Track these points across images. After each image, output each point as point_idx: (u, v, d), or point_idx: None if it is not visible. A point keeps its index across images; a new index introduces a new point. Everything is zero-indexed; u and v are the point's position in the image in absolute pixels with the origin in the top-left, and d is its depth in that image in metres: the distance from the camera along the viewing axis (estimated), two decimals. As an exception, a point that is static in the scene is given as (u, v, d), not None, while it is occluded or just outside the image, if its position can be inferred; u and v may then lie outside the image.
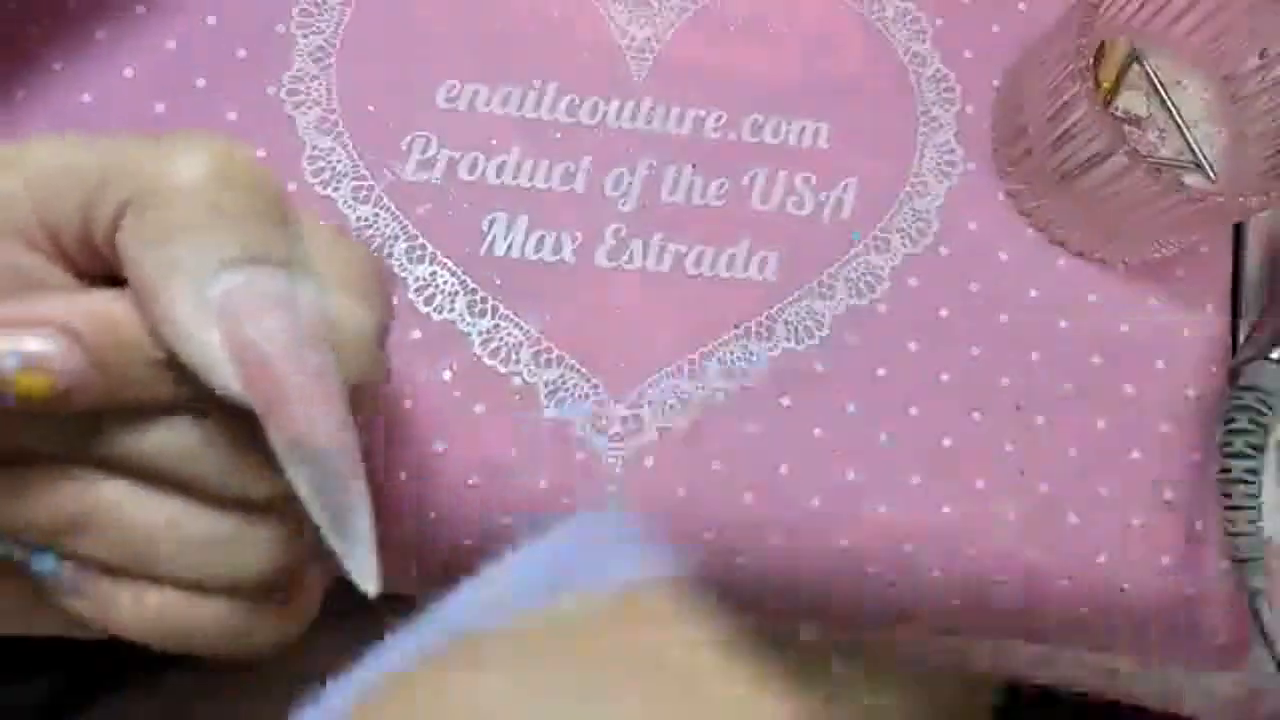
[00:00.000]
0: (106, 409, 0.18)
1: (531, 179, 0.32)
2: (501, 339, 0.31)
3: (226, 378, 0.17)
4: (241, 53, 0.32)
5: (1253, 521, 0.31)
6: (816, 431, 0.31)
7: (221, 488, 0.18)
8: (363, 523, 0.18)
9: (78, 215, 0.18)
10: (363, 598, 0.18)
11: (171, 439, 0.18)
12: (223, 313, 0.17)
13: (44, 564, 0.19)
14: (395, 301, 0.23)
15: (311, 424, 0.17)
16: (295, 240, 0.18)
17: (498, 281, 0.31)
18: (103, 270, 0.19)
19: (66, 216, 0.18)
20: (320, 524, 0.18)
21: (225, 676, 0.37)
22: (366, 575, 0.18)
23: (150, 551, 0.18)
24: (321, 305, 0.18)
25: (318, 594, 0.22)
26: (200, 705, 0.37)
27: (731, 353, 0.32)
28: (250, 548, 0.19)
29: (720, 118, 0.33)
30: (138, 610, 0.19)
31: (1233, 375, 0.33)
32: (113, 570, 0.19)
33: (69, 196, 0.18)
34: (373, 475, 0.22)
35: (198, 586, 0.19)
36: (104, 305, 0.17)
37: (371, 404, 0.22)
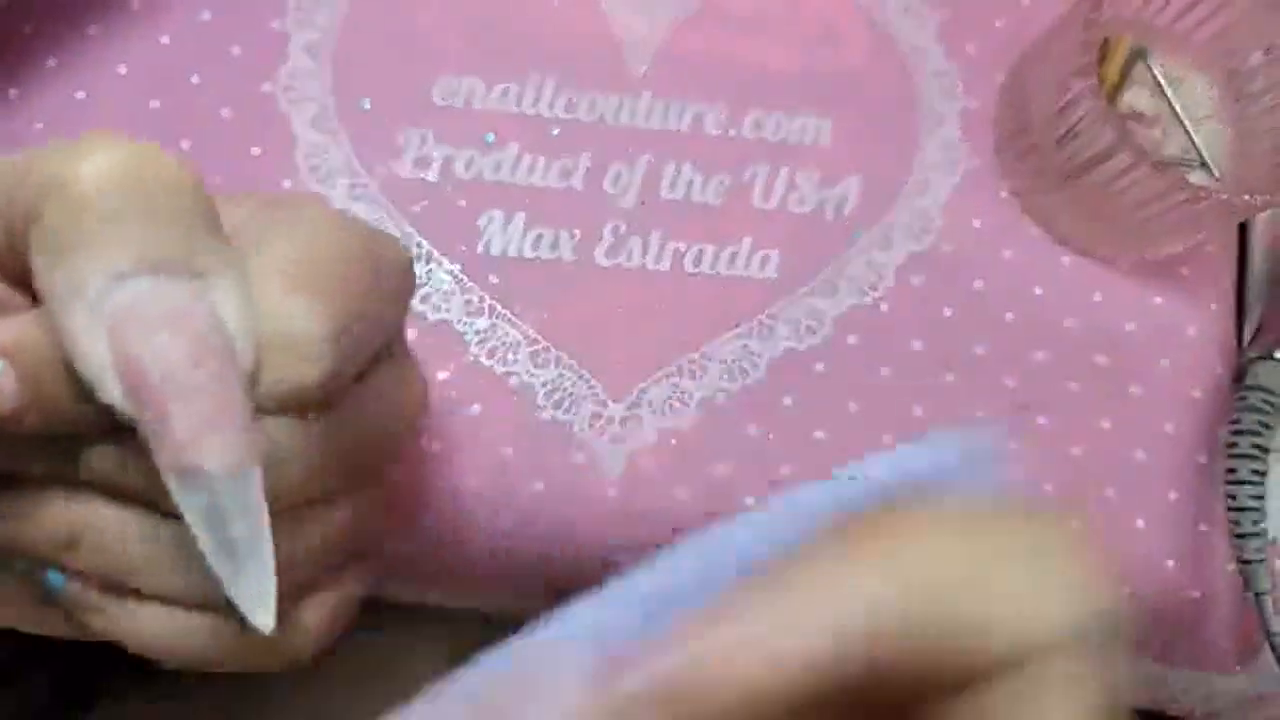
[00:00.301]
0: (62, 428, 0.17)
1: (529, 176, 0.32)
2: (499, 339, 0.30)
3: (113, 396, 0.16)
4: (236, 49, 0.31)
5: (1258, 523, 0.31)
6: (818, 433, 0.31)
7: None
8: (256, 555, 0.17)
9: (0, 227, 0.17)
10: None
11: (124, 456, 0.18)
12: (112, 328, 0.16)
13: (52, 581, 0.19)
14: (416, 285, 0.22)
15: (198, 447, 0.16)
16: (212, 243, 0.17)
17: (494, 280, 0.31)
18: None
19: None
20: (205, 553, 0.17)
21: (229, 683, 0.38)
22: (257, 607, 0.17)
23: (132, 565, 0.18)
24: (243, 312, 0.17)
25: (331, 613, 0.21)
26: (204, 709, 0.37)
27: (732, 352, 0.31)
28: None
29: (721, 113, 0.33)
30: (133, 625, 0.19)
31: (1238, 375, 0.33)
32: (112, 586, 0.19)
33: None
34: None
35: (181, 601, 0.19)
36: (32, 323, 0.17)
37: (381, 401, 0.21)
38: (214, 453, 0.16)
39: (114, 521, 0.18)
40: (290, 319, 0.18)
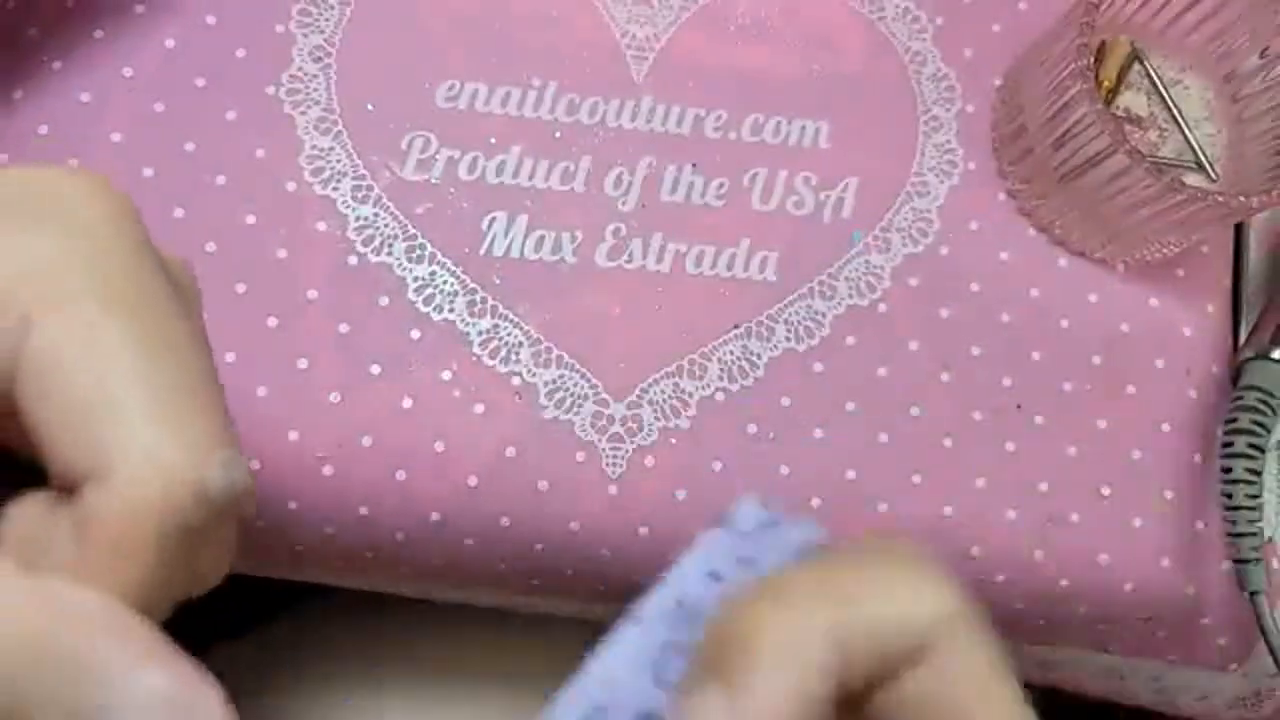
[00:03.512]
0: None
1: (531, 178, 0.32)
2: (501, 339, 0.31)
3: None
4: (241, 52, 0.32)
5: (1254, 522, 0.31)
6: (817, 432, 0.31)
7: None
8: None
9: None
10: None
11: None
12: None
13: None
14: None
15: None
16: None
17: (497, 281, 0.31)
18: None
19: None
20: None
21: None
22: None
23: None
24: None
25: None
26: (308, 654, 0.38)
27: (732, 353, 0.31)
28: None
29: (720, 117, 0.33)
30: None
31: (1234, 375, 0.33)
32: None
33: None
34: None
35: None
36: None
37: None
38: None
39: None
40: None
